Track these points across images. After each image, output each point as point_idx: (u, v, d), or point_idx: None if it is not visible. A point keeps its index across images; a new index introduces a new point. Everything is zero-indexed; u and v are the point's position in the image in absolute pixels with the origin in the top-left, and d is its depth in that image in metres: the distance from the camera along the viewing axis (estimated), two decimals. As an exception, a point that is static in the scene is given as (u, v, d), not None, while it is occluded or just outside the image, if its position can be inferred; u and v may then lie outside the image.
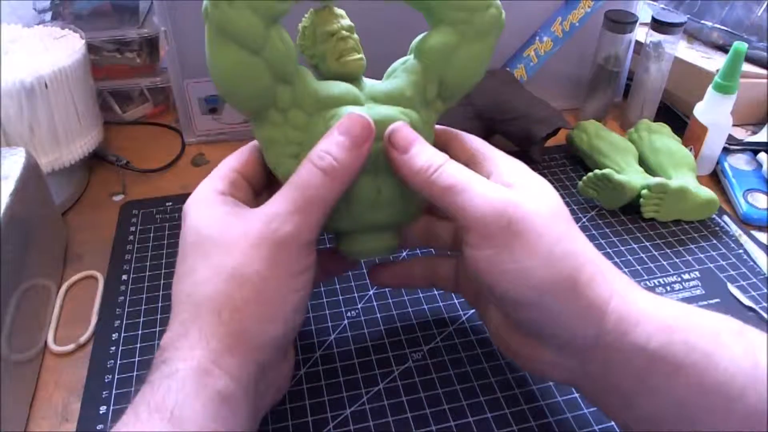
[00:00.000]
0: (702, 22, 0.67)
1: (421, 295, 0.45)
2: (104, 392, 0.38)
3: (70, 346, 0.41)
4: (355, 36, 0.33)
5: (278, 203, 0.28)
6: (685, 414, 0.26)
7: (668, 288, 0.47)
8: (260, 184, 0.33)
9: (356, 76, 0.33)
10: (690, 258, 0.49)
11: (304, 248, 0.28)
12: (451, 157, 0.30)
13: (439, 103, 0.34)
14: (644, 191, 0.52)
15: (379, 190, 0.32)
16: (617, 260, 0.49)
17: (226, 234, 0.28)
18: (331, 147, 0.28)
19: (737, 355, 0.26)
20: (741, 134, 0.62)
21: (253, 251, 0.27)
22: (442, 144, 0.33)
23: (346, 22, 0.32)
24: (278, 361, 0.30)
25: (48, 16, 0.65)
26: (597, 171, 0.52)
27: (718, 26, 0.66)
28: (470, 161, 0.32)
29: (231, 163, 0.32)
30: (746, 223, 0.54)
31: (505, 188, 0.29)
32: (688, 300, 0.46)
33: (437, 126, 0.35)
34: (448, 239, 0.37)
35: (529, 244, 0.27)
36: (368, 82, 0.33)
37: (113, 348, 0.41)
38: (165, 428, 0.24)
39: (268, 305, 0.27)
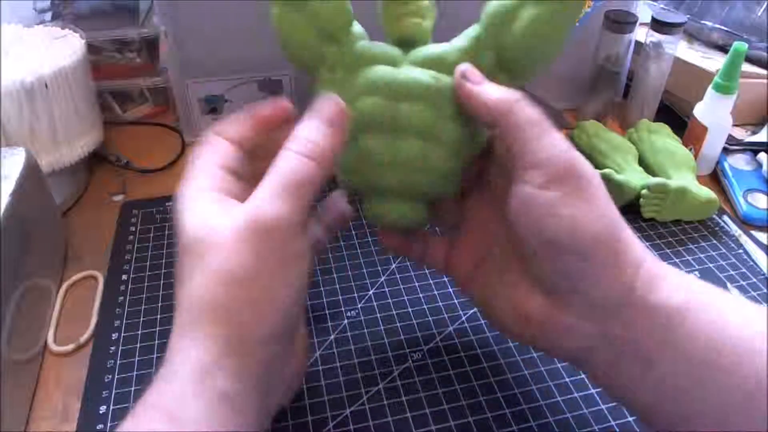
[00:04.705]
0: (702, 22, 0.67)
1: (421, 295, 0.45)
2: (104, 392, 0.38)
3: (70, 346, 0.41)
4: (425, 2, 0.32)
5: (261, 190, 0.28)
6: (697, 374, 0.27)
7: (668, 288, 0.47)
8: (248, 173, 0.32)
9: (415, 40, 0.32)
10: (690, 258, 0.49)
11: (291, 232, 0.27)
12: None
13: (502, 76, 0.31)
14: (644, 191, 0.52)
15: (397, 151, 0.31)
16: (617, 260, 0.49)
17: (213, 233, 0.27)
18: (305, 131, 0.29)
19: (750, 315, 0.27)
20: (741, 134, 0.62)
21: (240, 245, 0.27)
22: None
23: None
24: (284, 354, 0.30)
25: (48, 16, 0.65)
26: (597, 171, 0.52)
27: (718, 26, 0.66)
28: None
29: (211, 159, 0.31)
30: (746, 223, 0.54)
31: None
32: (688, 300, 0.46)
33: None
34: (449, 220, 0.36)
35: (590, 193, 0.28)
36: (426, 47, 0.32)
37: (113, 348, 0.41)
38: (166, 429, 0.23)
39: (261, 302, 0.27)
